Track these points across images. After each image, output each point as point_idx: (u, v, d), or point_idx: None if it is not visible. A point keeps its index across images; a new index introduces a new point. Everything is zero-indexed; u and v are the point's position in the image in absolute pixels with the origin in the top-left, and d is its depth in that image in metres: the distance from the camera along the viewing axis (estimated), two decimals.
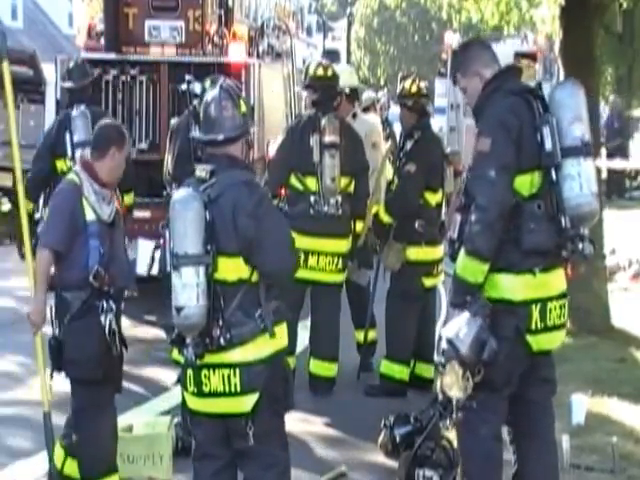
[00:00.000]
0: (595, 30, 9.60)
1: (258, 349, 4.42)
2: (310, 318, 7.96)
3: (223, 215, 4.39)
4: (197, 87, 8.44)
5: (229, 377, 4.40)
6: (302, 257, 7.49)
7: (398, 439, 6.24)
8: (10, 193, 15.00)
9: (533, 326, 4.68)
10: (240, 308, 4.42)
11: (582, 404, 6.81)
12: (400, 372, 7.67)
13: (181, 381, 4.60)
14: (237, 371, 4.39)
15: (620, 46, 21.48)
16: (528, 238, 4.61)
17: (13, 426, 7.02)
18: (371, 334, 8.37)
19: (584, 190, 4.58)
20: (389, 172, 8.23)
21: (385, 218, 7.60)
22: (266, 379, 4.44)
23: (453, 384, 4.58)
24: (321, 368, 7.73)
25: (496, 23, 11.17)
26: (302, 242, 7.48)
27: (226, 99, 4.56)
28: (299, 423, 6.79)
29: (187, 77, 8.50)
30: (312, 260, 7.63)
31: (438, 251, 7.65)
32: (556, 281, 4.79)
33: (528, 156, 4.62)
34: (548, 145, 4.59)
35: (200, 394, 4.48)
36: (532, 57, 23.62)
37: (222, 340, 4.37)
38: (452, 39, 23.91)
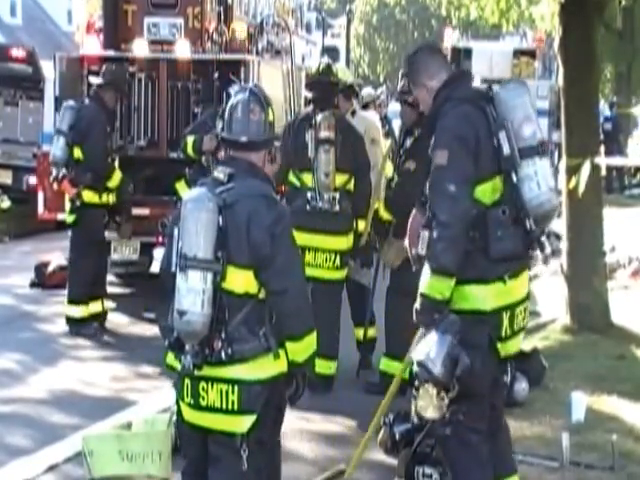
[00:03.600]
0: (595, 27, 9.57)
1: (259, 368, 4.21)
2: None
3: (237, 224, 4.17)
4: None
5: (227, 393, 4.20)
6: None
7: (397, 437, 6.20)
8: (9, 190, 14.99)
9: (503, 334, 4.64)
10: (245, 323, 4.19)
11: (582, 402, 6.80)
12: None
13: (177, 390, 4.38)
14: (235, 388, 4.20)
15: (620, 43, 21.40)
16: (496, 246, 4.53)
17: (12, 424, 7.00)
18: (371, 331, 8.35)
19: (542, 188, 4.55)
20: (389, 169, 8.21)
21: (385, 215, 7.58)
22: (264, 402, 4.23)
23: (428, 406, 4.51)
24: (320, 366, 7.69)
25: (495, 20, 11.14)
26: (299, 238, 7.41)
27: (254, 102, 4.39)
28: (298, 421, 6.78)
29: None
30: (309, 256, 7.60)
31: None
32: (522, 285, 4.75)
33: (487, 163, 4.56)
34: (506, 150, 4.55)
35: (197, 407, 4.28)
36: (531, 54, 23.62)
37: (223, 354, 4.16)
38: (451, 36, 23.91)
